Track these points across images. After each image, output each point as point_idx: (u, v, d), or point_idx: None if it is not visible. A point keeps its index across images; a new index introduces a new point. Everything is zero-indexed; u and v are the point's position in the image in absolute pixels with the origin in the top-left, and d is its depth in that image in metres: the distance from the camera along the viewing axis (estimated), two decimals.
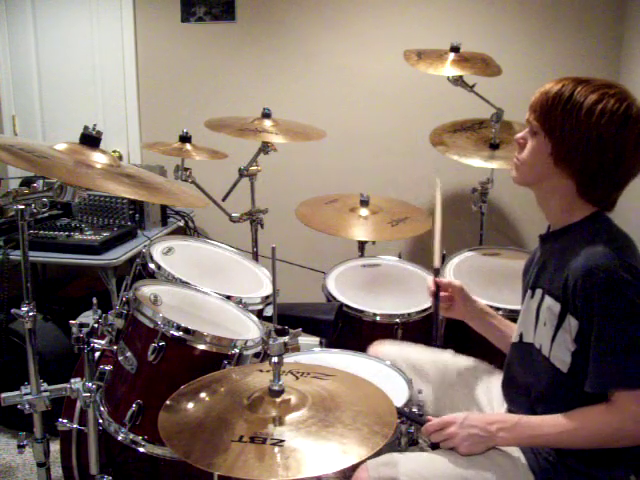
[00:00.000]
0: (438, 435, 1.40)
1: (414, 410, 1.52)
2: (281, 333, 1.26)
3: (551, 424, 1.33)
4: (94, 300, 1.88)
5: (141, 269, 2.03)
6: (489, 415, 1.55)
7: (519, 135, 1.44)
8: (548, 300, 1.39)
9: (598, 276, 1.26)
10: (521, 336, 1.51)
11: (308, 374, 1.40)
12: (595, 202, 1.38)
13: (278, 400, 1.25)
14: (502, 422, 1.37)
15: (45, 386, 1.74)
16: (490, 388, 1.68)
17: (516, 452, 1.41)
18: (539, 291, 1.44)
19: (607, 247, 1.30)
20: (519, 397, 1.49)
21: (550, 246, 1.46)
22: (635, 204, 2.16)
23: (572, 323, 1.32)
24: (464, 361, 1.79)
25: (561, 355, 1.35)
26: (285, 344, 1.25)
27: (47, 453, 1.79)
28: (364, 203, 2.61)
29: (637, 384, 1.25)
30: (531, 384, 1.44)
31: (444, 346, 1.88)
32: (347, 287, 2.33)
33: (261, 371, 1.43)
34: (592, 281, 1.27)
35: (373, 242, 2.66)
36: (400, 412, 1.45)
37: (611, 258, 1.28)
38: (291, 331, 1.28)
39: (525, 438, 1.36)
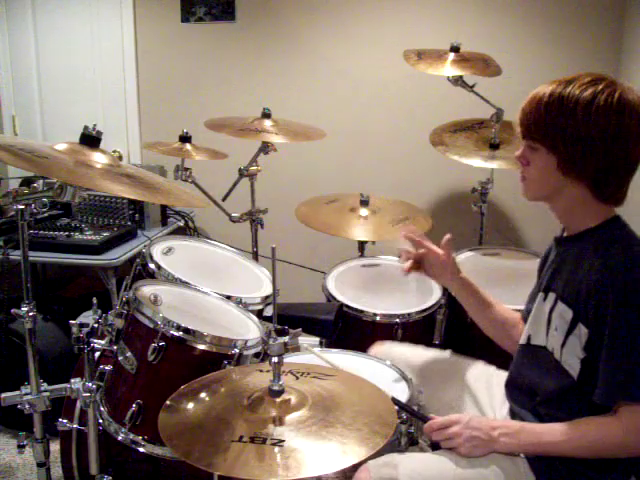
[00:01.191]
0: (440, 434, 1.39)
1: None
2: (281, 333, 1.26)
3: (554, 433, 1.32)
4: (94, 300, 1.88)
5: (141, 269, 2.03)
6: (493, 420, 1.54)
7: (518, 154, 1.41)
8: (560, 306, 1.38)
9: (612, 287, 1.25)
10: (529, 338, 1.49)
11: (308, 374, 1.40)
12: (608, 199, 1.36)
13: (278, 400, 1.24)
14: (505, 427, 1.36)
15: (45, 386, 1.74)
16: (491, 389, 1.68)
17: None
18: (552, 295, 1.42)
19: (622, 258, 1.28)
20: (523, 398, 1.49)
21: (565, 250, 1.44)
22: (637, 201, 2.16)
23: (582, 331, 1.31)
24: (464, 362, 1.78)
25: (571, 361, 1.34)
26: (285, 344, 1.25)
27: (47, 453, 1.79)
28: (364, 203, 2.61)
29: None
30: (538, 386, 1.43)
31: (444, 346, 1.88)
32: (347, 287, 2.33)
33: (261, 371, 1.43)
34: (605, 292, 1.26)
35: (373, 242, 2.66)
36: (403, 407, 1.46)
37: (626, 270, 1.26)
38: (291, 331, 1.28)
39: (527, 445, 1.35)
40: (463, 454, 1.36)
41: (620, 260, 1.28)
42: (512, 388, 1.55)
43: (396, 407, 1.38)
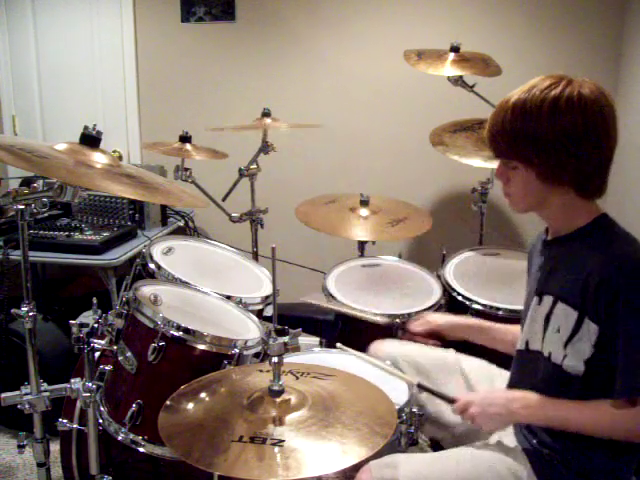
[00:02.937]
0: (465, 415, 1.45)
1: (414, 410, 1.52)
2: (281, 333, 1.26)
3: (576, 411, 1.32)
4: (94, 300, 1.88)
5: (141, 269, 2.03)
6: (510, 392, 1.51)
7: (498, 172, 1.43)
8: (561, 306, 1.36)
9: (621, 281, 1.24)
10: (527, 343, 1.48)
11: (308, 374, 1.40)
12: (593, 195, 1.36)
13: (278, 400, 1.25)
14: (523, 399, 1.38)
15: (45, 386, 1.74)
16: (493, 387, 1.68)
17: (519, 454, 1.41)
18: (548, 298, 1.40)
19: (628, 251, 1.29)
20: None
21: (556, 252, 1.44)
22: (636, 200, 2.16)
23: (591, 329, 1.29)
24: (466, 360, 1.78)
25: (574, 362, 1.33)
26: (285, 344, 1.25)
27: (47, 453, 1.79)
28: (364, 203, 2.61)
29: None
30: (538, 391, 1.41)
31: (445, 346, 1.88)
32: (347, 287, 2.33)
33: (261, 371, 1.43)
34: (615, 286, 1.25)
35: (373, 242, 2.66)
36: (431, 391, 1.57)
37: (633, 263, 1.26)
38: (291, 331, 1.28)
39: (545, 419, 1.36)
40: (487, 431, 1.44)
41: (626, 254, 1.28)
42: None
43: (423, 392, 1.59)
